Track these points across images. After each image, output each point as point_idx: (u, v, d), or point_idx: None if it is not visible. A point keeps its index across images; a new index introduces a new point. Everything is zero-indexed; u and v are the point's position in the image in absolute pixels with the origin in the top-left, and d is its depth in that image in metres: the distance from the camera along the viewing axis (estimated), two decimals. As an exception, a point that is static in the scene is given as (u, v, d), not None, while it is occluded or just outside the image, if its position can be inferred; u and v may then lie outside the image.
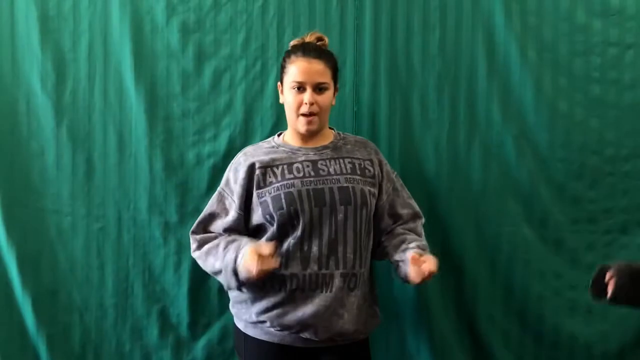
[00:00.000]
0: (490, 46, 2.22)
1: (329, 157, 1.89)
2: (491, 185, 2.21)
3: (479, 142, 2.23)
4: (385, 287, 2.24)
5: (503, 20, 2.21)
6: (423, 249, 1.86)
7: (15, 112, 2.30)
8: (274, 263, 1.71)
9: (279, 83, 1.93)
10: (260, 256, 1.68)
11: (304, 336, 1.82)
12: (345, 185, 1.84)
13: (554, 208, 2.23)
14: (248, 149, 1.94)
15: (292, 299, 1.81)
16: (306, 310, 1.80)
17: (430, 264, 1.74)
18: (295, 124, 1.86)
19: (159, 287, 2.29)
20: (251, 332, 1.89)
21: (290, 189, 1.81)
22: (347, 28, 2.23)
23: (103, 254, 2.29)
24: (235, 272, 1.76)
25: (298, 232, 1.80)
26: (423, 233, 1.97)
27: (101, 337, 2.31)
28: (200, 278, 2.20)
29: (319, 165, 1.87)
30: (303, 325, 1.81)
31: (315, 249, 1.80)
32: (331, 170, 1.86)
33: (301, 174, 1.84)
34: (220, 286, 2.08)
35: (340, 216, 1.81)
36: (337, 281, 1.81)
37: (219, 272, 1.83)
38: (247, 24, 2.23)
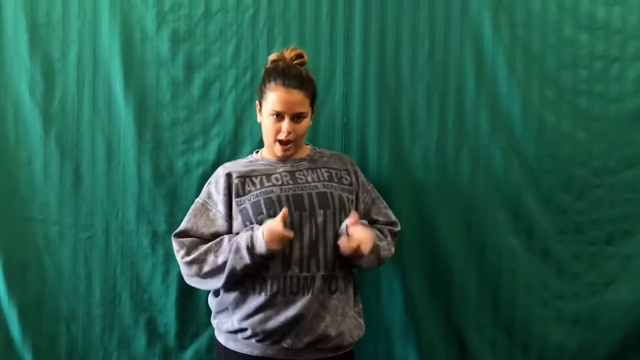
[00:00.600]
0: (479, 58, 2.24)
1: (306, 167, 1.95)
2: (479, 195, 2.23)
3: (468, 152, 2.24)
4: (373, 297, 2.25)
5: (491, 32, 2.23)
6: (378, 237, 1.91)
7: (3, 120, 2.28)
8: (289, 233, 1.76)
9: (257, 102, 1.98)
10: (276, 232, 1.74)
11: (286, 345, 1.82)
12: (323, 190, 1.89)
13: (541, 219, 2.24)
14: (227, 164, 2.01)
15: (274, 304, 1.82)
16: (288, 314, 1.81)
17: (364, 236, 1.79)
18: (272, 148, 1.94)
19: (147, 297, 2.28)
20: (232, 345, 1.88)
21: (270, 195, 1.86)
22: (336, 39, 2.24)
23: (90, 263, 2.28)
24: (250, 249, 1.78)
25: None
26: (390, 237, 1.98)
27: (88, 347, 2.29)
28: (188, 287, 2.18)
29: (297, 175, 1.93)
30: (285, 330, 1.81)
31: (296, 251, 1.82)
32: (309, 178, 1.92)
33: (280, 182, 1.90)
34: (207, 296, 2.08)
35: (320, 219, 1.85)
36: (318, 283, 1.83)
37: (220, 268, 1.83)
38: (237, 34, 2.24)
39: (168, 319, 2.28)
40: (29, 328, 2.28)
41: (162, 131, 2.26)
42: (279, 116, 1.88)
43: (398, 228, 2.03)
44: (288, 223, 1.81)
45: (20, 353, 2.29)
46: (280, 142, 1.90)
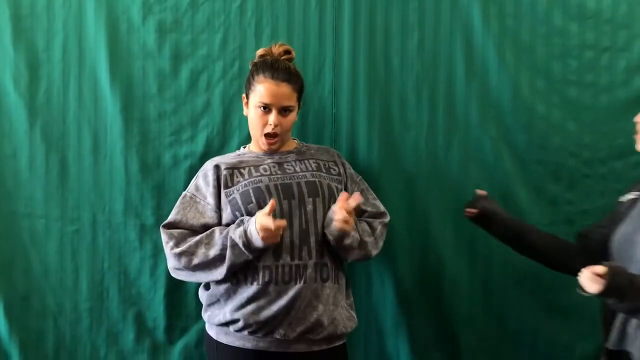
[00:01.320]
0: (469, 48, 2.23)
1: (294, 159, 1.96)
2: (470, 186, 2.21)
3: (458, 143, 2.23)
4: (364, 288, 2.24)
5: (481, 23, 2.21)
6: (363, 231, 1.90)
7: (-13, 113, 2.25)
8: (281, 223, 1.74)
9: (243, 95, 1.98)
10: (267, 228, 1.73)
11: (278, 336, 1.80)
12: (312, 179, 1.90)
13: (532, 209, 2.24)
14: (215, 158, 2.02)
15: (266, 293, 1.81)
16: (281, 303, 1.80)
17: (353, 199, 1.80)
18: (258, 141, 1.95)
19: (135, 291, 2.25)
20: (223, 339, 1.87)
21: (259, 184, 1.87)
22: (325, 29, 2.22)
23: (77, 257, 2.25)
24: (247, 245, 1.77)
25: None
26: (379, 230, 1.97)
27: (76, 342, 2.26)
28: (176, 281, 2.17)
29: (285, 166, 1.93)
30: (278, 320, 1.80)
31: (287, 239, 1.82)
32: (297, 169, 1.93)
33: (268, 172, 1.90)
34: (196, 290, 2.05)
35: (310, 207, 1.85)
36: (309, 271, 1.82)
37: (211, 262, 1.82)
38: (224, 25, 2.21)
39: (157, 313, 2.25)
40: (15, 324, 2.24)
41: (149, 123, 2.23)
42: (267, 109, 1.89)
43: (387, 218, 2.02)
44: (278, 213, 1.80)
45: (7, 349, 2.25)
46: (267, 135, 1.90)
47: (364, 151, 2.22)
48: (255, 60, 1.97)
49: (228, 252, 1.79)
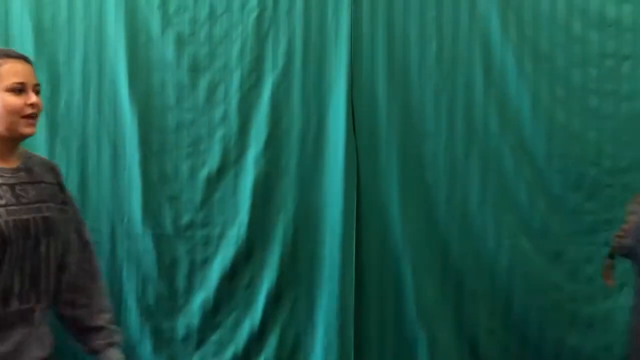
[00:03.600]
0: (487, 57, 2.22)
1: (24, 180, 1.64)
2: (489, 196, 2.19)
3: (477, 153, 2.21)
4: (381, 300, 2.21)
5: (499, 31, 2.20)
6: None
7: (9, 125, 2.27)
8: None
9: None
10: None
11: None
12: (46, 214, 1.63)
13: (553, 219, 2.21)
14: None
15: None
16: (4, 349, 1.65)
17: None
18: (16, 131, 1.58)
19: (153, 301, 2.25)
20: None
21: None
22: (342, 40, 2.22)
23: (96, 268, 2.25)
24: None
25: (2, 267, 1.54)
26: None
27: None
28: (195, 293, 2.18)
29: (18, 191, 1.62)
30: None
31: (17, 285, 1.55)
32: (31, 196, 1.62)
33: (4, 201, 1.58)
34: (216, 300, 2.05)
35: (43, 248, 1.60)
36: (36, 314, 1.56)
37: None
38: (242, 36, 2.22)
39: (175, 324, 2.24)
40: (34, 334, 2.25)
41: (167, 134, 2.24)
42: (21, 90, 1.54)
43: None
44: (9, 256, 1.53)
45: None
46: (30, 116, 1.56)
47: (384, 161, 2.21)
48: None
49: None
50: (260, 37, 2.22)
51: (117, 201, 2.25)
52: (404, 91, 2.22)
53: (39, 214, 1.59)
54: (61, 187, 1.68)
